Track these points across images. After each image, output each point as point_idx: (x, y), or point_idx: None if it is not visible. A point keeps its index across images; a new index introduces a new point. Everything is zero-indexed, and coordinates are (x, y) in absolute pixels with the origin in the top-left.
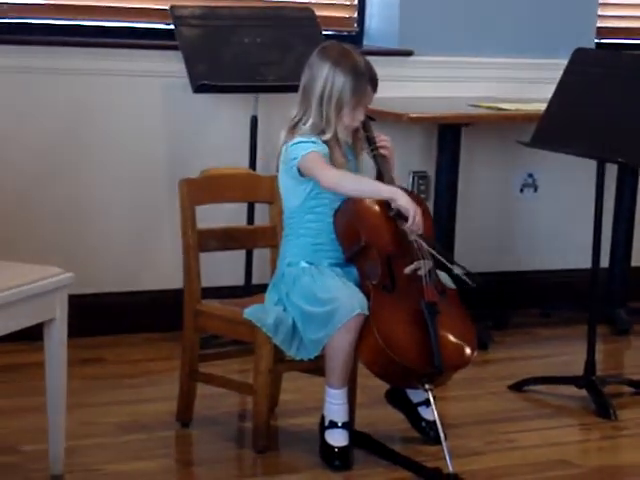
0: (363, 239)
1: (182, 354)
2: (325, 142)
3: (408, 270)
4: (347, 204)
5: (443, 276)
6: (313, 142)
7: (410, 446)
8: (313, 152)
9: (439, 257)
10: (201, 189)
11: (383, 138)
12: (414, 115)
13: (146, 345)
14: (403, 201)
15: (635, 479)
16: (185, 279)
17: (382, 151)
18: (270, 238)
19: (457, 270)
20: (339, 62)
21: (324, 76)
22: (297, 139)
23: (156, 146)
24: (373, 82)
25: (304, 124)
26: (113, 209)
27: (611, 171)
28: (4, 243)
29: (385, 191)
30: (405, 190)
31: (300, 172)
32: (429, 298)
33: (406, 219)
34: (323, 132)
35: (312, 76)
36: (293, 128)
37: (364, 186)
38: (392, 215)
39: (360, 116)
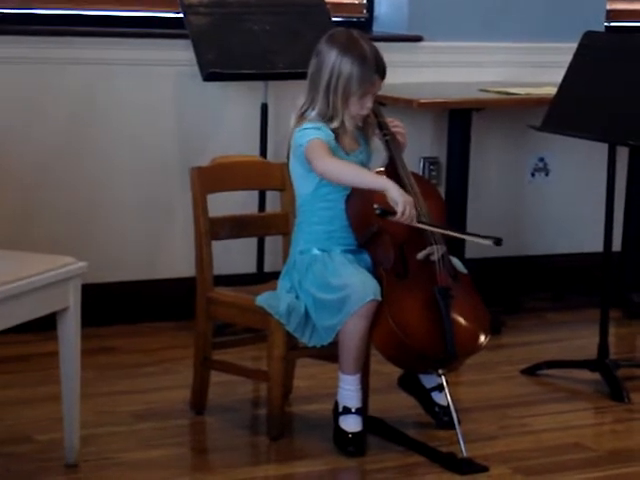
0: (376, 224)
1: (195, 342)
2: (333, 129)
3: (421, 255)
4: (360, 189)
5: (456, 261)
6: (318, 128)
7: (424, 431)
8: (316, 139)
9: (455, 234)
10: (212, 177)
11: (397, 123)
12: (424, 101)
13: (159, 333)
14: (394, 193)
15: None
16: (197, 267)
17: (398, 137)
18: (282, 225)
19: (474, 238)
20: (346, 50)
21: (331, 65)
22: (304, 125)
23: (166, 135)
24: (381, 71)
25: (312, 111)
26: (125, 198)
27: (622, 154)
28: (17, 233)
29: (375, 182)
30: (416, 177)
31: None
32: (442, 283)
33: (394, 212)
34: (331, 120)
35: (319, 64)
36: (302, 116)
37: (355, 176)
38: (378, 214)
39: (368, 104)
